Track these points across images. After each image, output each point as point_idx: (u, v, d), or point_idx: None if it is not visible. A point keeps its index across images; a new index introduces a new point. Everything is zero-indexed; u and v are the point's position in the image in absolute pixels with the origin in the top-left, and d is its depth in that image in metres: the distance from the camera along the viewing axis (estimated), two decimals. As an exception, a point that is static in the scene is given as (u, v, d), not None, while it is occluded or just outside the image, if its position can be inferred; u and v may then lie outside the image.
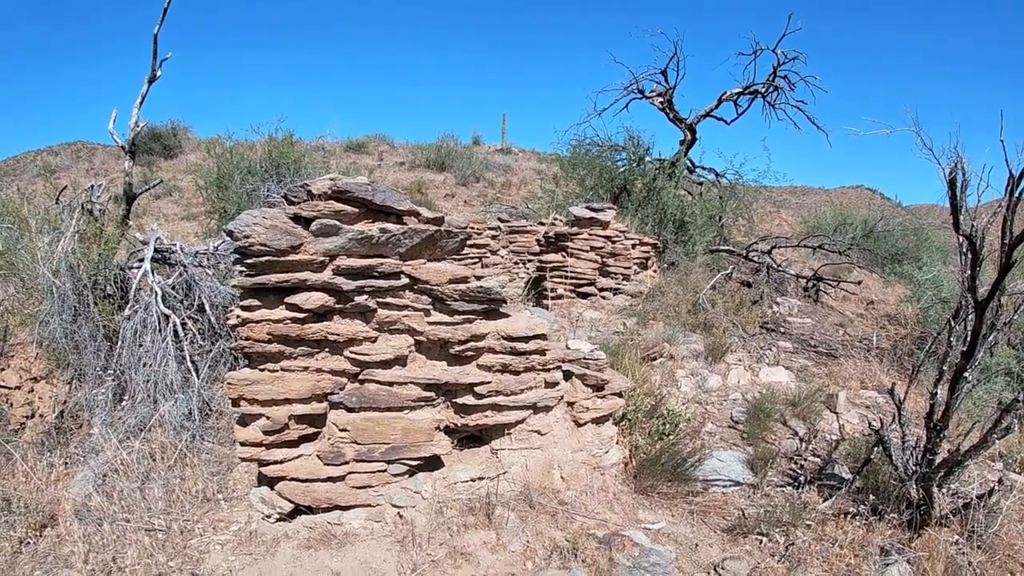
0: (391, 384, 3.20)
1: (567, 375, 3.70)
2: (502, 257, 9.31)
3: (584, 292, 8.28)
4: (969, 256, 3.29)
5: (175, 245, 4.99)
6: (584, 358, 3.76)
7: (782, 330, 7.54)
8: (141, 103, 5.43)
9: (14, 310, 5.26)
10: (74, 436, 4.85)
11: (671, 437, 4.19)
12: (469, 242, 9.05)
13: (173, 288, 4.87)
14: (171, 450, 4.10)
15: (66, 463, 4.40)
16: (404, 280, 3.15)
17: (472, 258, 9.08)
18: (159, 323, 4.63)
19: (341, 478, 3.24)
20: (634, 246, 8.68)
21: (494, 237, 9.27)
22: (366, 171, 14.92)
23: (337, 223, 2.96)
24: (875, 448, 3.83)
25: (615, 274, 8.37)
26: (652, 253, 9.21)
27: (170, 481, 3.84)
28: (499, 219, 9.60)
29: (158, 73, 5.44)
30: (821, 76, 10.65)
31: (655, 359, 6.38)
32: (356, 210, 3.03)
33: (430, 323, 3.23)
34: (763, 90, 10.42)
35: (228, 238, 3.13)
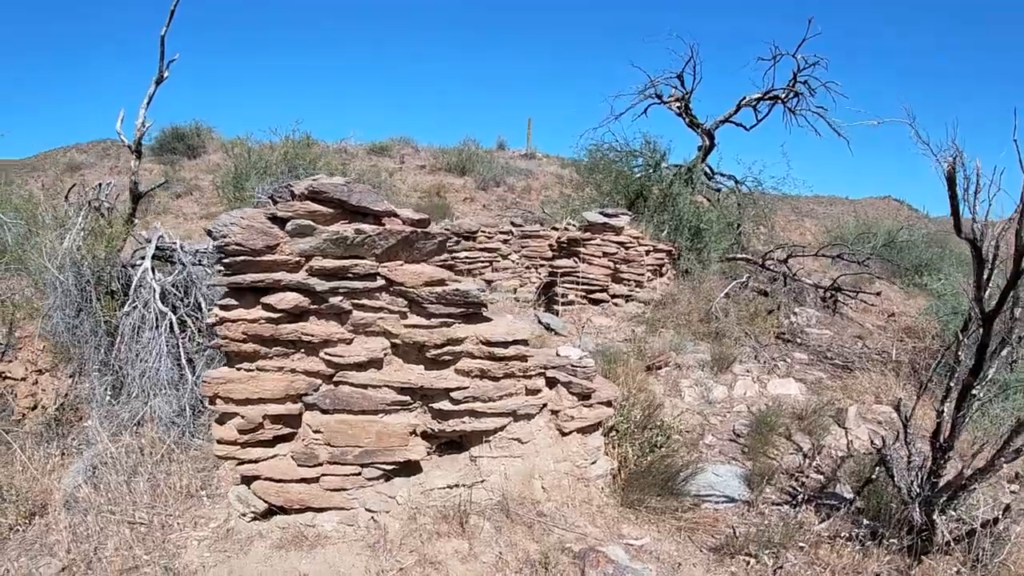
0: (365, 387, 3.14)
1: (552, 382, 3.59)
2: (513, 262, 9.24)
3: (596, 298, 8.17)
4: (976, 264, 3.10)
5: (176, 243, 5.04)
6: (571, 365, 3.64)
7: (799, 341, 7.30)
8: (148, 104, 5.53)
9: (20, 304, 5.39)
10: (73, 428, 4.93)
11: (663, 449, 4.06)
12: (480, 246, 8.99)
13: (173, 286, 4.92)
14: (160, 445, 4.13)
15: (63, 454, 4.47)
16: (380, 282, 3.10)
17: (483, 262, 9.03)
18: (156, 320, 4.68)
19: (315, 480, 3.20)
20: (648, 253, 8.54)
21: (505, 241, 9.20)
22: (386, 173, 14.98)
23: (312, 223, 2.93)
24: (877, 467, 3.64)
25: (628, 281, 8.25)
26: (667, 260, 9.05)
27: (156, 476, 3.85)
28: (512, 223, 9.52)
29: (166, 74, 5.54)
30: (846, 81, 10.34)
31: (660, 368, 6.23)
32: (332, 211, 2.99)
33: (406, 326, 3.17)
34: (783, 96, 10.15)
35: (209, 237, 3.13)
